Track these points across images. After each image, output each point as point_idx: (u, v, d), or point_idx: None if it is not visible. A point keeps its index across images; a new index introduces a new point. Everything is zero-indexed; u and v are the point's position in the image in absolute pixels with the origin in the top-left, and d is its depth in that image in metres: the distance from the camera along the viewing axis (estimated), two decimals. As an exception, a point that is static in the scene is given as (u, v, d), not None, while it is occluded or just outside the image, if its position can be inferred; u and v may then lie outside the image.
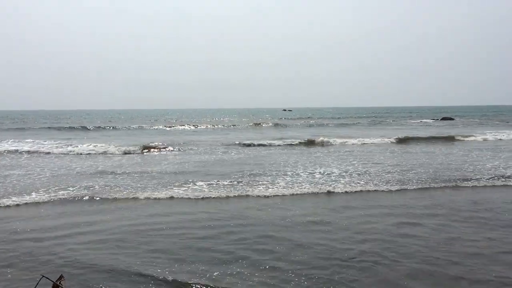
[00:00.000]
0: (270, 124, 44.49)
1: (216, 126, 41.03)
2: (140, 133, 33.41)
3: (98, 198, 9.53)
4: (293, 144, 22.05)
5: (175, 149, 20.06)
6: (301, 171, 13.10)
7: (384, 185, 10.88)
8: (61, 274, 4.63)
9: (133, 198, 9.63)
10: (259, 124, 44.77)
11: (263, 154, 17.96)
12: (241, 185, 10.86)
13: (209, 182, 11.16)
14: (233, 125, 43.12)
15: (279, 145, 21.65)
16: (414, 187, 10.73)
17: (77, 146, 20.17)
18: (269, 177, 11.95)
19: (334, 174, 12.49)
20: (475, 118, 57.08)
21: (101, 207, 8.85)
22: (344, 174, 12.51)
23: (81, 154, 18.44)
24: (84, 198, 9.52)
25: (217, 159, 16.44)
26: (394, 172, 12.73)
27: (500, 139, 24.43)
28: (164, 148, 20.27)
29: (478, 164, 14.28)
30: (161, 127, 40.24)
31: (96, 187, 10.76)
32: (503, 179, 11.54)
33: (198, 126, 40.32)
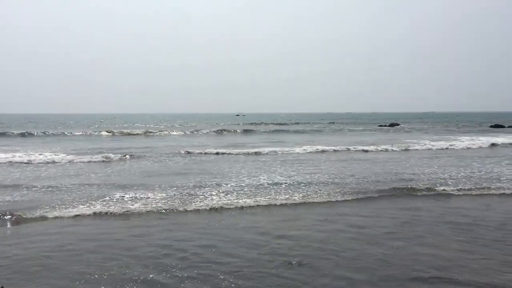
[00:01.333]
0: (239, 131, 42.27)
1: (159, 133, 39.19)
2: (72, 139, 31.12)
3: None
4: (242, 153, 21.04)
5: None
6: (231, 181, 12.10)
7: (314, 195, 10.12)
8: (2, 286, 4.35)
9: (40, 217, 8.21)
10: (223, 131, 41.87)
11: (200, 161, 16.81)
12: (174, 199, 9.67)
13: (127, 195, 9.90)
14: (188, 132, 41.39)
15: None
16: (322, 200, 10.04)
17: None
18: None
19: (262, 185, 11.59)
20: (421, 124, 58.95)
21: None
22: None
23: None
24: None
25: (146, 169, 15.10)
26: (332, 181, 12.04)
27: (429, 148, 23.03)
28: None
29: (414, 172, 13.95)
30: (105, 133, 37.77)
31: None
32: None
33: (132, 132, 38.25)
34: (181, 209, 8.91)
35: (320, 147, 21.99)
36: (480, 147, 23.63)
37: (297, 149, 21.25)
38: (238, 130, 42.52)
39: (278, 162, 16.60)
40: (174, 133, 37.80)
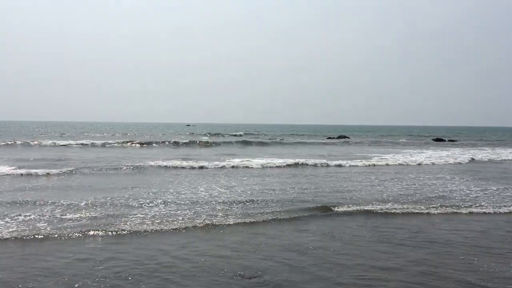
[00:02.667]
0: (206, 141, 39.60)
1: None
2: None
3: None
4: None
5: None
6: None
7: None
8: None
9: None
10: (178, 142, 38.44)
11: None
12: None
13: None
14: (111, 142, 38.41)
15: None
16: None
17: None
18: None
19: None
20: (369, 138, 59.44)
21: None
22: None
23: None
24: None
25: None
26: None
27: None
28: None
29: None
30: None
31: None
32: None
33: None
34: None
35: (250, 161, 20.50)
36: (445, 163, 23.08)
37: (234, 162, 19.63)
38: (199, 141, 39.29)
39: (217, 176, 14.88)
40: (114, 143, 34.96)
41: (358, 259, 6.36)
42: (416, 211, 9.78)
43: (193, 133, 63.60)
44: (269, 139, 47.77)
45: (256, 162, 19.82)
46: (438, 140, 52.74)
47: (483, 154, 29.55)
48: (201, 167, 17.79)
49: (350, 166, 19.78)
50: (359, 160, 21.76)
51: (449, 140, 52.17)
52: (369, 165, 20.19)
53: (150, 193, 11.36)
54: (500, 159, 25.81)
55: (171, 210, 9.35)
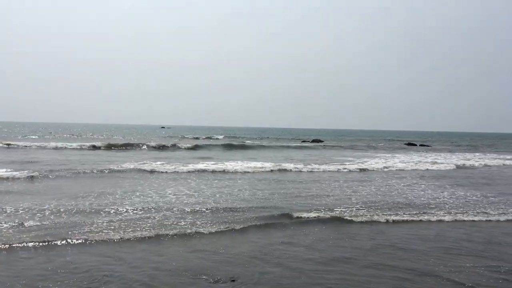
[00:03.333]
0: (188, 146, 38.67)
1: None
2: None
3: None
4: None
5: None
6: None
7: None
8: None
9: None
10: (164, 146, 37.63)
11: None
12: None
13: None
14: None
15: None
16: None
17: None
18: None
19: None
20: (343, 142, 60.08)
21: None
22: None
23: None
24: None
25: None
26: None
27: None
28: None
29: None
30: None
31: None
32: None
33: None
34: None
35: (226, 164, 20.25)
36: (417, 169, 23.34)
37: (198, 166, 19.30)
38: (183, 146, 38.36)
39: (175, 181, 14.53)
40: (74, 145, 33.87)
41: (319, 265, 6.26)
42: (376, 218, 9.72)
43: (167, 136, 62.69)
44: (239, 142, 47.58)
45: (223, 167, 19.56)
46: (410, 144, 53.89)
47: (454, 159, 30.25)
48: (159, 172, 17.38)
49: (322, 171, 19.76)
50: (332, 164, 21.83)
51: (421, 145, 53.33)
52: (342, 170, 20.20)
53: (112, 199, 10.97)
54: (481, 164, 26.36)
55: (130, 217, 9.02)
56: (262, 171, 18.58)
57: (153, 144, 35.31)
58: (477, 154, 38.50)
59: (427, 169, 22.06)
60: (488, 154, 38.19)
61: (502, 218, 10.09)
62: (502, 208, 11.31)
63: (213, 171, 18.12)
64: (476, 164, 26.37)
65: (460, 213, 10.48)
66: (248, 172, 18.25)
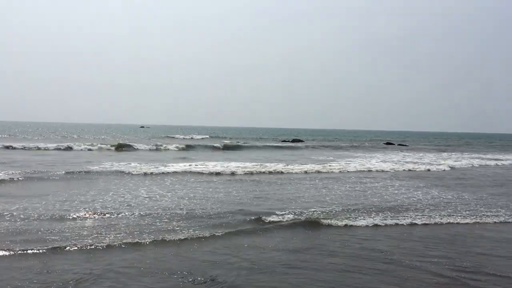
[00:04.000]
0: (174, 148, 37.86)
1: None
2: None
3: None
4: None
5: None
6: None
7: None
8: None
9: None
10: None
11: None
12: None
13: None
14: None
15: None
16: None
17: None
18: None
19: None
20: (323, 141, 60.40)
21: None
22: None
23: None
24: None
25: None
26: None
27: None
28: None
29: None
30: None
31: None
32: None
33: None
34: None
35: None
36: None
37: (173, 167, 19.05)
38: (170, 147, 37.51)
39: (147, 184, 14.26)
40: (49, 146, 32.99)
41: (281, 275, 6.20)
42: (352, 223, 9.70)
43: (148, 137, 61.87)
44: (220, 143, 47.35)
45: (201, 168, 19.39)
46: (389, 143, 54.65)
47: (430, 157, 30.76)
48: (145, 174, 17.05)
49: (300, 171, 19.68)
50: (311, 164, 21.89)
51: (399, 144, 54.15)
52: (319, 171, 20.21)
53: (83, 201, 10.68)
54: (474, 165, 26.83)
55: (100, 222, 8.79)
56: (239, 173, 18.36)
57: (138, 145, 34.82)
58: (453, 154, 39.30)
59: (404, 169, 22.27)
60: (465, 154, 39.07)
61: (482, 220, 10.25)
62: (474, 209, 11.51)
63: (191, 172, 17.90)
64: (453, 163, 26.87)
65: (446, 216, 10.60)
66: (225, 173, 18.05)
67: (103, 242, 7.32)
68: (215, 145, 39.36)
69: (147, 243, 7.41)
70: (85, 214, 9.34)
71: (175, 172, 17.58)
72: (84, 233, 7.91)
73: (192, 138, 58.64)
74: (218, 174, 17.79)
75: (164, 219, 9.20)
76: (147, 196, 11.92)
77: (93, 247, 7.09)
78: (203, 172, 18.05)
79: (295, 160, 25.61)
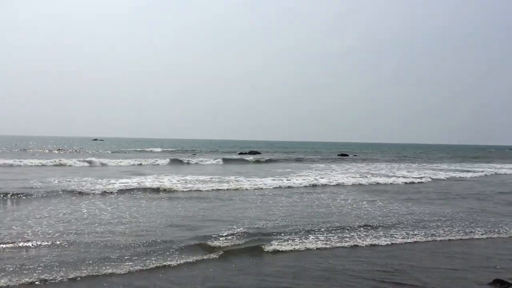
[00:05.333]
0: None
1: None
2: None
3: None
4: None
5: None
6: None
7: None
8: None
9: None
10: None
11: None
12: None
13: None
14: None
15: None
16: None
17: None
18: None
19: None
20: (280, 154, 60.25)
21: None
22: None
23: None
24: None
25: None
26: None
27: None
28: None
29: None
30: None
31: None
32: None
33: None
34: None
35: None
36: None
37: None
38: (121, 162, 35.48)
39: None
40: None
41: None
42: (305, 245, 9.01)
43: (101, 150, 59.05)
44: (176, 156, 45.87)
45: (150, 183, 18.20)
46: (343, 155, 55.29)
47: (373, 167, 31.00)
48: (79, 193, 15.63)
49: (256, 188, 18.35)
50: (270, 179, 21.15)
51: (354, 155, 55.02)
52: (280, 186, 19.27)
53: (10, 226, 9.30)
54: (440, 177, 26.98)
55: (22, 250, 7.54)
56: (182, 189, 17.19)
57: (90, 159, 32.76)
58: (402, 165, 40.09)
59: (353, 183, 21.79)
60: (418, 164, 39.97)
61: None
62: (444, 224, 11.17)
63: (138, 189, 16.60)
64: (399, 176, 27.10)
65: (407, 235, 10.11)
66: (174, 190, 16.93)
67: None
68: (173, 158, 37.96)
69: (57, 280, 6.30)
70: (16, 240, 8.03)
71: (121, 190, 16.18)
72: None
73: (146, 151, 56.69)
74: (164, 190, 16.64)
75: (77, 247, 8.06)
76: (88, 218, 10.66)
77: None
78: (152, 188, 16.85)
79: (250, 174, 24.81)
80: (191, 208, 12.70)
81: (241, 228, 9.88)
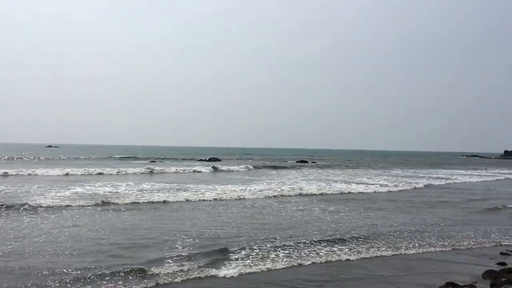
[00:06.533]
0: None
1: None
2: None
3: None
4: None
5: None
6: None
7: None
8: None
9: None
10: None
11: None
12: None
13: None
14: None
15: None
16: None
17: None
18: None
19: None
20: (239, 160, 59.66)
21: None
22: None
23: None
24: None
25: None
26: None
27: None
28: None
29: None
30: None
31: None
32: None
33: None
34: None
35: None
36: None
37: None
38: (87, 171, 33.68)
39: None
40: None
41: None
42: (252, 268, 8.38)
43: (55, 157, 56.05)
44: (133, 162, 44.30)
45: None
46: (303, 161, 55.50)
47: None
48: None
49: (215, 199, 17.18)
50: (230, 188, 20.41)
51: (312, 162, 55.38)
52: (225, 198, 18.71)
53: None
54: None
55: None
56: (121, 202, 16.10)
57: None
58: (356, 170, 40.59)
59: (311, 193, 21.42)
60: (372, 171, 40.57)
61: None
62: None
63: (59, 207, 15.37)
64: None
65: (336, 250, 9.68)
66: (124, 203, 15.84)
67: None
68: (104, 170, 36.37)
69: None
70: None
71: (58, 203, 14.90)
72: None
73: (96, 158, 54.39)
74: (109, 203, 15.48)
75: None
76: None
77: None
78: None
79: (204, 181, 23.97)
80: (135, 222, 11.78)
81: (191, 247, 9.11)
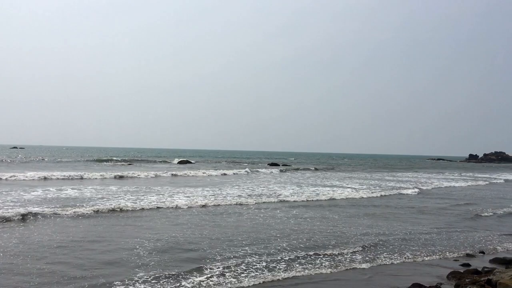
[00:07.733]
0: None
1: None
2: None
3: None
4: None
5: None
6: None
7: None
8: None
9: None
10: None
11: None
12: None
13: None
14: None
15: None
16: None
17: None
18: None
19: None
20: (213, 162, 59.08)
21: None
22: None
23: None
24: None
25: None
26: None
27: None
28: None
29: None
30: None
31: None
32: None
33: None
34: None
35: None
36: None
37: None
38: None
39: None
40: None
41: None
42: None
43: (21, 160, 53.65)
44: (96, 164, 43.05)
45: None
46: (273, 164, 55.53)
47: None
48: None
49: (186, 207, 15.86)
50: (202, 193, 19.97)
51: (283, 164, 55.55)
52: (203, 205, 17.86)
53: None
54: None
55: None
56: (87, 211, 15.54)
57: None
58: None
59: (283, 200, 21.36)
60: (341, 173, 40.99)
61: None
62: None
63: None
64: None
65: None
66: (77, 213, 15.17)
67: None
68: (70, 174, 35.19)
69: None
70: None
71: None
72: None
73: (60, 161, 52.57)
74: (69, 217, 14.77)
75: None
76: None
77: None
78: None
79: (172, 183, 23.44)
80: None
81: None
